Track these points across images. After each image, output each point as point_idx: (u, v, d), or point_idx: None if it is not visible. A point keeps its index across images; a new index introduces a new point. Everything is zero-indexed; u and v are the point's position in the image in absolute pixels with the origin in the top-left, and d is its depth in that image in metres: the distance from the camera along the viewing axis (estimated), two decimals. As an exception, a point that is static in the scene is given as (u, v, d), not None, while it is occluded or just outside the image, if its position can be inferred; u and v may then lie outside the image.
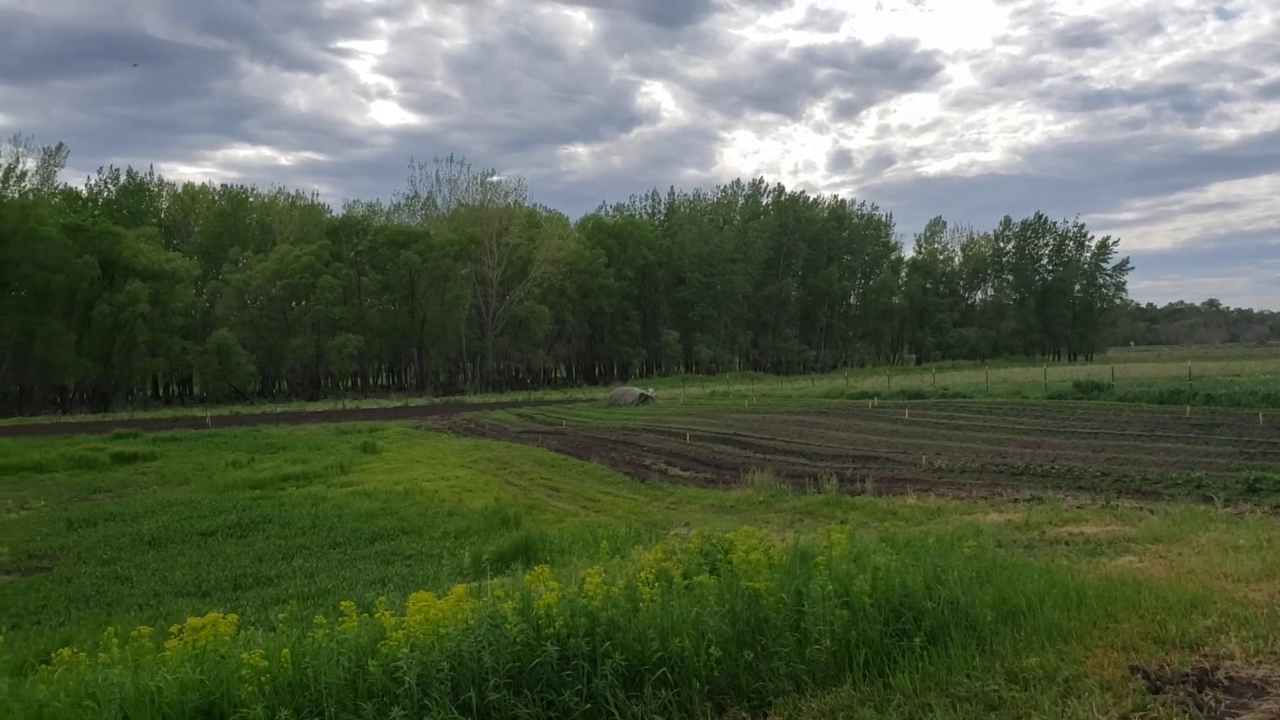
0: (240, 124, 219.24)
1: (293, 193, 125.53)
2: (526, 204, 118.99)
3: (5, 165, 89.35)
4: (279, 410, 73.85)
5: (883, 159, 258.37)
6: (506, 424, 51.02)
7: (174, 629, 6.68)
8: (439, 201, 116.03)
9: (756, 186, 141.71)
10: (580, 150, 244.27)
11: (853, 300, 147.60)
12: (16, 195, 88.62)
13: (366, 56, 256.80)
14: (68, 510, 25.36)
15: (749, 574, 7.40)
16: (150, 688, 5.77)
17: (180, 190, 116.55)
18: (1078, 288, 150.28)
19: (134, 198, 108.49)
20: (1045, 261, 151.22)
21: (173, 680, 5.87)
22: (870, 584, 7.45)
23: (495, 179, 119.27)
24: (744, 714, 6.40)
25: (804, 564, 7.98)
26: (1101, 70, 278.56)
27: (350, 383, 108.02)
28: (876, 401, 52.28)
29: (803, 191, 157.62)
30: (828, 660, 6.80)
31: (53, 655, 6.69)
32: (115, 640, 6.54)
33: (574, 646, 6.40)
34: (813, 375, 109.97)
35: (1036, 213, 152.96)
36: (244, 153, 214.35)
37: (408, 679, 5.98)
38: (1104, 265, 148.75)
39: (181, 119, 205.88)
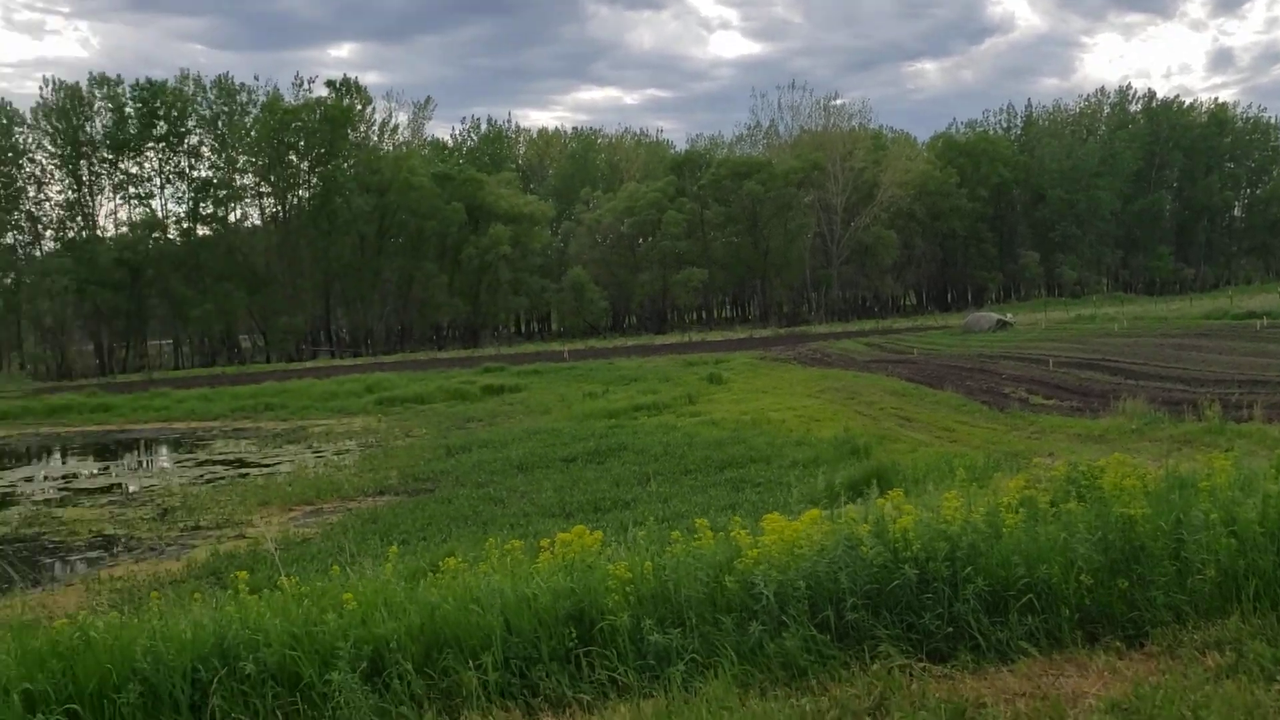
0: (588, 66, 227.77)
1: (638, 131, 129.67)
2: (871, 126, 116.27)
3: (380, 120, 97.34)
4: (629, 344, 76.70)
5: (1271, 55, 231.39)
6: (854, 353, 50.52)
7: (544, 543, 7.11)
8: (781, 129, 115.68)
9: (1123, 94, 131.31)
10: (927, 66, 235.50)
11: (1237, 212, 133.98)
12: (391, 148, 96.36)
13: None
14: (446, 438, 27.47)
15: (1121, 500, 6.99)
16: (527, 594, 6.18)
17: (535, 135, 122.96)
18: None
19: (494, 145, 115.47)
20: None
21: (546, 588, 6.25)
22: (1261, 512, 6.84)
23: (838, 102, 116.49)
24: (1118, 643, 6.08)
25: (1182, 491, 7.45)
26: None
27: (695, 316, 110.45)
28: (1265, 322, 47.73)
29: (1177, 96, 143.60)
30: (1212, 591, 6.36)
31: (440, 565, 7.27)
32: (495, 552, 7.02)
33: (933, 570, 6.29)
34: (1190, 295, 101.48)
35: None
36: (592, 95, 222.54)
37: (766, 595, 6.07)
38: None
39: (534, 65, 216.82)
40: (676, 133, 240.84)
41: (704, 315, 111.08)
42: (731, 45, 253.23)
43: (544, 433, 25.91)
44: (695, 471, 18.60)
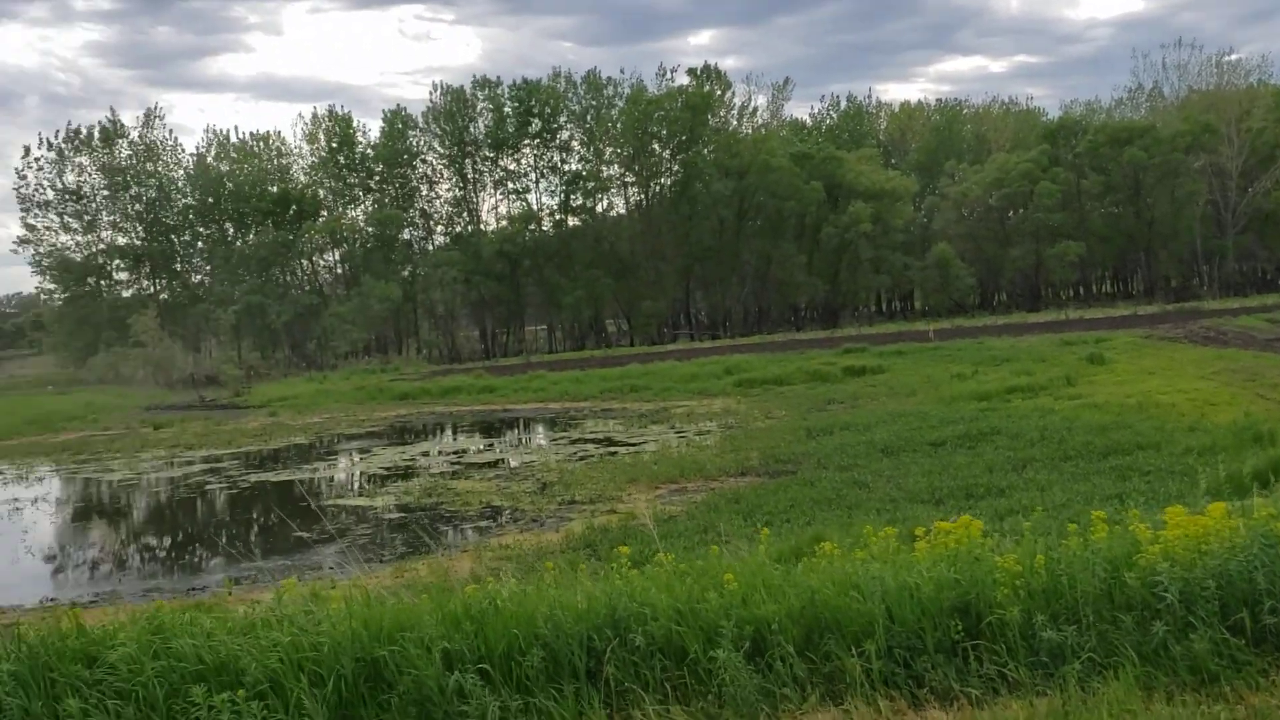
0: (952, 36, 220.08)
1: (1006, 99, 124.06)
2: (1272, 82, 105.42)
3: (739, 104, 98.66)
4: (999, 322, 73.65)
5: None
6: (1254, 330, 46.19)
7: (919, 530, 6.94)
8: (1165, 91, 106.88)
9: None
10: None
11: None
12: (750, 132, 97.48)
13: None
14: (806, 419, 27.50)
15: None
16: (909, 583, 6.06)
17: (897, 109, 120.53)
18: None
19: (853, 121, 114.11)
20: None
21: (929, 578, 6.10)
22: None
23: (1232, 58, 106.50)
24: None
25: None
26: None
27: (1072, 292, 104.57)
28: None
29: None
30: None
31: (815, 548, 7.27)
32: (873, 538, 6.93)
33: (1368, 573, 5.62)
34: None
35: None
36: (955, 65, 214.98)
37: (1169, 594, 5.66)
38: None
39: (894, 39, 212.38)
40: (1048, 99, 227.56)
41: (1081, 291, 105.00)
42: (1108, 4, 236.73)
43: (909, 415, 25.43)
44: (1075, 458, 17.67)
